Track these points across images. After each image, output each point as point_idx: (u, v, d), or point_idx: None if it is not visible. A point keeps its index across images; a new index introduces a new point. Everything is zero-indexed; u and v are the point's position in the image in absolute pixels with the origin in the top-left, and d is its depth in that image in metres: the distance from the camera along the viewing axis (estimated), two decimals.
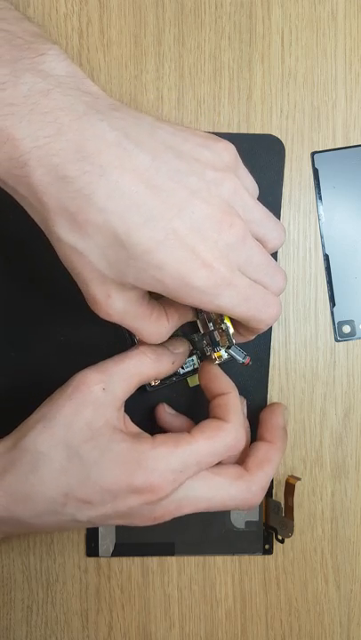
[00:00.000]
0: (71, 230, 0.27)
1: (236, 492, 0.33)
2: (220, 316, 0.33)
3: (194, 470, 0.31)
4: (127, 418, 0.33)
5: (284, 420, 0.38)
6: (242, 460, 0.35)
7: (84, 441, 0.30)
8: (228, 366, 0.40)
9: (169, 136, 0.28)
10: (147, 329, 0.31)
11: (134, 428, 0.33)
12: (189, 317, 0.35)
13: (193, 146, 0.29)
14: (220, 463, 0.33)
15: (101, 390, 0.31)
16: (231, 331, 0.33)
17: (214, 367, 0.36)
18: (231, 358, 0.36)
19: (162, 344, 0.35)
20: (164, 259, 0.27)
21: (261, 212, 0.31)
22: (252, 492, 0.33)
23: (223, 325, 0.33)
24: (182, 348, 0.36)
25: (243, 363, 0.35)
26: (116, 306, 0.29)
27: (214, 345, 0.36)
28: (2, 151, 0.26)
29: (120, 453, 0.31)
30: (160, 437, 0.32)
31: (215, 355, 0.35)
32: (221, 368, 0.39)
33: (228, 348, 0.34)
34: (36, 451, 0.30)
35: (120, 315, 0.30)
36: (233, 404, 0.34)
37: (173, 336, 0.35)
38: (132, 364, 0.33)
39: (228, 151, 0.30)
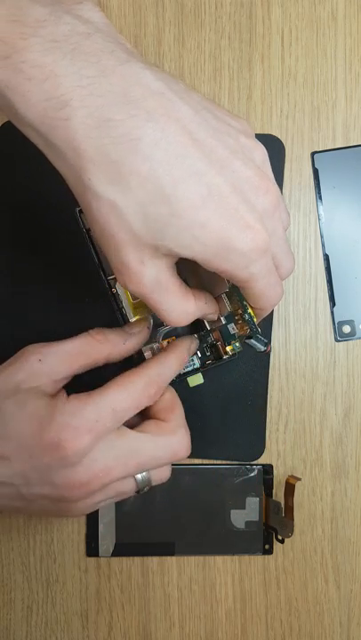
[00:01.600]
0: (110, 182, 0.25)
1: (164, 441, 0.33)
2: (243, 306, 0.33)
3: (110, 420, 0.31)
4: (63, 391, 0.33)
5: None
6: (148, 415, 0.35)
7: (7, 397, 0.31)
8: (229, 367, 0.40)
9: (202, 99, 0.28)
10: (174, 306, 0.29)
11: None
12: (214, 308, 0.34)
13: (223, 114, 0.29)
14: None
15: (37, 361, 0.32)
16: (256, 320, 0.32)
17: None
18: (234, 356, 0.37)
19: (117, 328, 0.35)
20: (209, 216, 0.26)
21: (278, 190, 0.31)
22: (178, 435, 0.33)
23: (246, 315, 0.32)
24: (137, 327, 0.35)
25: (265, 351, 0.34)
26: (148, 274, 0.27)
27: (226, 339, 0.36)
28: (41, 90, 0.24)
29: (35, 409, 0.30)
30: (75, 394, 0.31)
31: (227, 348, 0.36)
32: (221, 368, 0.39)
33: (249, 337, 0.34)
34: None
35: (151, 285, 0.28)
36: (152, 360, 0.34)
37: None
38: (75, 344, 0.33)
39: (250, 128, 0.30)
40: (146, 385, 0.32)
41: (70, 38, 0.25)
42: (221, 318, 0.35)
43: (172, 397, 0.34)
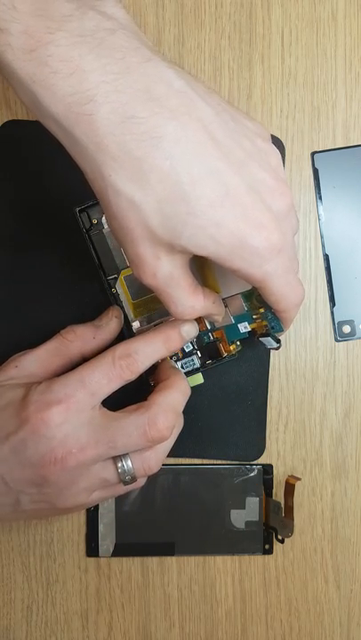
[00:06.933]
0: (130, 179, 0.25)
1: (136, 416, 0.32)
2: (266, 305, 0.33)
3: (81, 392, 0.31)
4: (46, 382, 0.33)
5: (171, 363, 0.37)
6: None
7: None
8: (229, 367, 0.40)
9: (221, 101, 0.28)
10: (183, 301, 0.30)
11: None
12: (220, 310, 0.34)
13: (241, 116, 0.29)
14: None
15: (14, 367, 0.35)
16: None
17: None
18: (234, 355, 0.37)
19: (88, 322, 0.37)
20: (225, 215, 0.26)
21: (292, 195, 0.31)
22: (152, 412, 0.32)
23: (269, 314, 0.34)
24: (105, 319, 0.37)
25: (277, 347, 0.35)
26: (163, 268, 0.28)
27: (230, 338, 0.37)
28: (66, 84, 0.24)
29: (10, 397, 0.32)
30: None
31: (230, 347, 0.37)
32: (221, 368, 0.39)
33: (265, 335, 0.34)
34: None
35: (165, 279, 0.28)
36: (137, 336, 0.34)
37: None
38: (48, 348, 0.36)
39: (266, 131, 0.30)
40: (115, 358, 0.32)
41: (96, 34, 0.25)
42: (232, 318, 0.36)
43: (167, 383, 0.34)
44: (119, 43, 0.25)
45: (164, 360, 0.37)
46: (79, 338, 0.36)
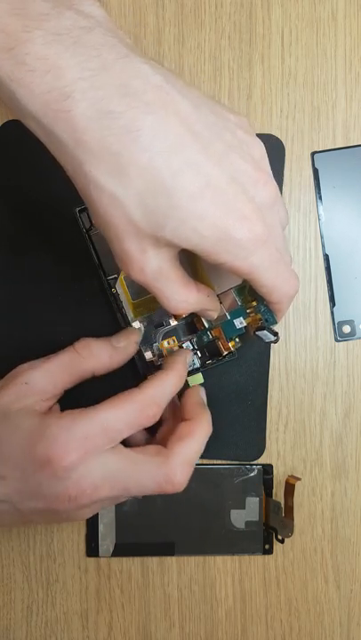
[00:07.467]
0: (110, 173, 0.26)
1: (154, 467, 0.32)
2: (259, 298, 0.33)
3: (101, 438, 0.30)
4: (57, 407, 0.33)
5: (200, 396, 0.37)
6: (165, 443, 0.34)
7: (0, 421, 0.32)
8: (229, 367, 0.40)
9: (201, 95, 0.28)
10: (175, 295, 0.29)
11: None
12: (214, 305, 0.34)
13: (222, 109, 0.29)
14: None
15: (24, 384, 0.33)
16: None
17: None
18: (234, 355, 0.37)
19: (105, 339, 0.36)
20: (207, 207, 0.26)
21: (277, 185, 0.31)
22: (171, 466, 0.32)
23: (262, 307, 0.34)
24: (124, 341, 0.36)
25: (274, 341, 0.35)
26: (151, 263, 0.28)
27: (228, 335, 0.37)
28: (43, 82, 0.25)
29: (28, 428, 0.31)
30: (68, 410, 0.32)
31: (230, 344, 0.37)
32: (221, 368, 0.39)
33: (260, 329, 0.34)
34: None
35: (154, 273, 0.28)
36: (151, 379, 0.33)
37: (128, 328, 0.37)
38: (59, 362, 0.34)
39: (249, 124, 0.30)
40: (144, 405, 0.32)
41: (72, 32, 0.25)
42: (227, 314, 0.36)
43: (191, 428, 0.34)
44: (95, 40, 0.25)
45: (194, 391, 0.37)
46: (94, 356, 0.35)
